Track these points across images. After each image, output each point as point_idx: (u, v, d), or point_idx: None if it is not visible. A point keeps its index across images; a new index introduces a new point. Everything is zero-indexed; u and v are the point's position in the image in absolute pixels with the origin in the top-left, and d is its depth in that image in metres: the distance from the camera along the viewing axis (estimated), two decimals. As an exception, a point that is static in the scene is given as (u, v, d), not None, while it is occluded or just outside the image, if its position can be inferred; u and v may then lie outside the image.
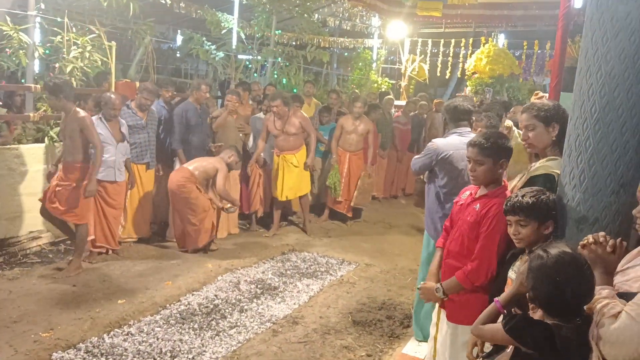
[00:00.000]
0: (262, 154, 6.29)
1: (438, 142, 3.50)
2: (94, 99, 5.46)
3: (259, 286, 4.65)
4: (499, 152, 2.58)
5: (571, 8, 3.48)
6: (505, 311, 1.97)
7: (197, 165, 5.29)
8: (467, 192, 2.83)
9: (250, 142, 6.33)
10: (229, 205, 5.47)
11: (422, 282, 2.92)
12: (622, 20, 1.98)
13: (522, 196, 2.21)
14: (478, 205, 2.63)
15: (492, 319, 1.95)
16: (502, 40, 11.65)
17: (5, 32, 5.30)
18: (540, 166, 2.51)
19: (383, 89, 11.02)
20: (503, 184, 2.68)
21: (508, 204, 2.25)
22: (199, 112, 5.74)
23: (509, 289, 1.95)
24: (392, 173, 8.72)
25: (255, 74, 9.70)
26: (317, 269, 5.21)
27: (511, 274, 2.30)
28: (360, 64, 11.57)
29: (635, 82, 2.00)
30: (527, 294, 1.78)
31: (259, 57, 9.43)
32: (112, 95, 4.86)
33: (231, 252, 5.46)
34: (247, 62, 9.49)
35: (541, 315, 1.74)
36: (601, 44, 2.05)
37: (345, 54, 13.83)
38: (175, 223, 5.36)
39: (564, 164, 2.30)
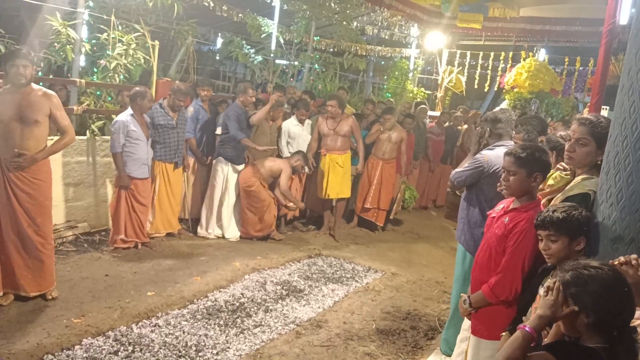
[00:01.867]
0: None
1: (489, 155, 3.28)
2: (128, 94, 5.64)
3: (284, 287, 4.69)
4: (533, 164, 2.54)
5: (616, 25, 3.41)
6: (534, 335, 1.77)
7: (265, 163, 5.82)
8: (501, 205, 2.80)
9: (284, 147, 6.38)
10: (291, 203, 5.94)
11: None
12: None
13: (554, 211, 2.19)
14: (507, 218, 2.60)
15: (523, 348, 1.72)
16: (542, 55, 11.45)
17: (54, 27, 5.52)
18: (575, 185, 2.47)
19: (418, 99, 10.96)
20: (537, 199, 2.64)
21: (539, 219, 2.23)
22: (246, 115, 5.81)
23: (537, 312, 1.83)
24: (424, 184, 8.66)
25: (291, 79, 9.80)
26: (343, 275, 5.22)
27: (541, 291, 2.27)
28: (396, 73, 11.55)
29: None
30: (570, 314, 1.70)
31: (296, 62, 9.53)
32: (148, 90, 5.01)
33: (259, 252, 5.52)
34: (284, 67, 9.60)
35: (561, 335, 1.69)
36: (646, 60, 2.02)
37: (382, 62, 13.82)
38: (242, 213, 5.86)
39: (601, 182, 2.25)
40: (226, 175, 5.79)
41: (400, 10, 9.71)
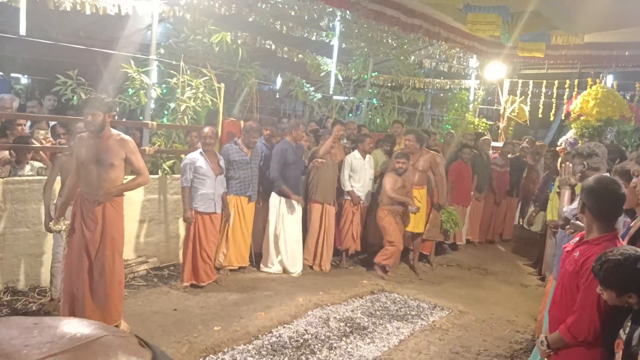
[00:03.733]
0: (359, 193, 6.36)
1: None
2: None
3: (348, 324, 4.61)
4: (598, 199, 2.44)
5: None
6: None
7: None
8: (577, 238, 2.66)
9: (346, 180, 6.39)
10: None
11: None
12: None
13: (602, 263, 2.13)
14: (577, 253, 2.48)
15: None
16: (610, 81, 10.96)
17: (128, 74, 5.91)
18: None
19: (480, 130, 10.74)
20: (613, 230, 2.48)
21: (593, 265, 2.19)
22: (295, 150, 5.93)
23: None
24: (489, 217, 8.38)
25: (350, 114, 9.91)
26: (408, 312, 5.08)
27: (622, 334, 2.11)
28: (456, 104, 11.41)
29: None
30: None
31: (354, 98, 9.65)
32: (206, 129, 5.23)
33: (321, 288, 5.49)
34: (343, 102, 9.74)
35: None
36: None
37: (441, 94, 13.73)
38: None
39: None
40: (280, 210, 5.87)
41: (459, 43, 9.65)
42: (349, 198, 6.39)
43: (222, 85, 6.32)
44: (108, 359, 0.66)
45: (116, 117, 6.29)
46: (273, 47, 9.45)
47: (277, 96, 16.05)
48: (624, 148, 7.48)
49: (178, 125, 6.21)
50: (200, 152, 5.18)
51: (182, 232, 5.75)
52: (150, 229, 5.65)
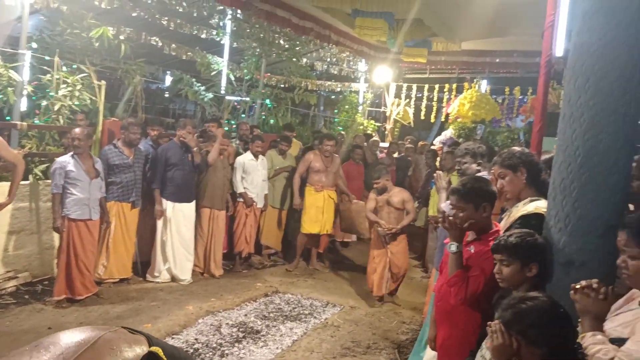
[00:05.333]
0: (252, 195, 6.29)
1: None
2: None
3: (241, 329, 4.52)
4: (478, 196, 2.60)
5: (552, 57, 3.59)
6: None
7: None
8: None
9: (238, 182, 6.28)
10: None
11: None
12: (603, 69, 2.05)
13: (509, 236, 2.23)
14: (472, 247, 2.63)
15: None
16: (484, 85, 11.95)
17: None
18: (530, 206, 2.54)
19: (369, 131, 11.17)
20: (495, 227, 2.68)
21: (494, 243, 2.27)
22: (182, 150, 5.69)
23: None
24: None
25: (243, 115, 9.77)
26: (301, 312, 5.11)
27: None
28: (346, 106, 11.76)
29: (617, 127, 2.04)
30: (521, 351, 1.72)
31: (248, 99, 9.54)
32: (76, 130, 4.80)
33: (213, 294, 5.34)
34: (236, 103, 9.58)
35: None
36: (584, 91, 2.11)
37: (332, 96, 14.07)
38: None
39: (549, 207, 2.32)
40: (168, 215, 5.58)
41: (348, 47, 9.95)
42: (241, 200, 6.30)
43: (103, 83, 5.91)
44: (115, 353, 0.69)
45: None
46: (160, 43, 9.05)
47: (167, 95, 15.42)
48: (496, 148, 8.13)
49: (52, 126, 5.69)
50: (72, 155, 4.75)
51: (57, 243, 5.25)
52: (20, 241, 5.11)
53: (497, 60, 10.64)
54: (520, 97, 11.12)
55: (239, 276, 6.12)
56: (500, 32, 8.38)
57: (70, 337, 0.71)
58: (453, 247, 2.57)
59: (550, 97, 6.32)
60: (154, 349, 0.74)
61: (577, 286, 1.80)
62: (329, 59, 11.72)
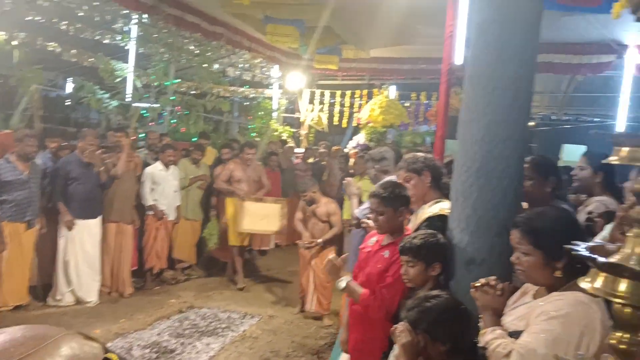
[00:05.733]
0: (163, 207, 6.04)
1: None
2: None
3: (154, 350, 4.31)
4: (397, 200, 2.67)
5: (453, 64, 3.78)
6: None
7: None
8: (374, 239, 2.87)
9: (147, 194, 6.00)
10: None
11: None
12: (497, 78, 2.17)
13: (413, 238, 2.31)
14: (387, 252, 2.67)
15: None
16: (393, 91, 12.38)
17: None
18: (435, 207, 2.64)
19: (284, 137, 11.17)
20: (406, 230, 2.76)
21: (400, 245, 2.35)
22: (84, 162, 5.33)
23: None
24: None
25: (151, 123, 9.38)
26: (218, 326, 4.97)
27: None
28: (260, 112, 11.69)
29: (511, 132, 2.18)
30: (427, 348, 1.78)
31: (157, 106, 9.17)
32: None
33: (122, 315, 5.05)
34: (144, 111, 9.18)
35: None
36: (480, 98, 2.22)
37: (246, 103, 13.93)
38: None
39: (452, 209, 2.42)
40: (70, 233, 5.23)
41: (261, 53, 9.89)
42: (151, 213, 6.03)
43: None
44: (74, 353, 0.72)
45: None
46: (59, 49, 8.47)
47: (68, 103, 14.46)
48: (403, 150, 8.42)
49: None
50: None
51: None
52: None
53: (404, 67, 11.05)
54: (426, 102, 11.64)
55: (150, 293, 5.85)
56: (406, 40, 8.71)
57: (30, 331, 0.74)
58: (342, 284, 2.67)
59: (453, 102, 6.66)
60: (109, 355, 0.76)
61: (477, 284, 1.89)
62: (241, 65, 11.59)
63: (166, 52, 8.79)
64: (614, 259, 1.02)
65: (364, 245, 2.92)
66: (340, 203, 6.95)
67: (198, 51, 9.35)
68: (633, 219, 1.04)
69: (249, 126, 12.46)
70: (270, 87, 12.65)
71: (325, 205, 5.36)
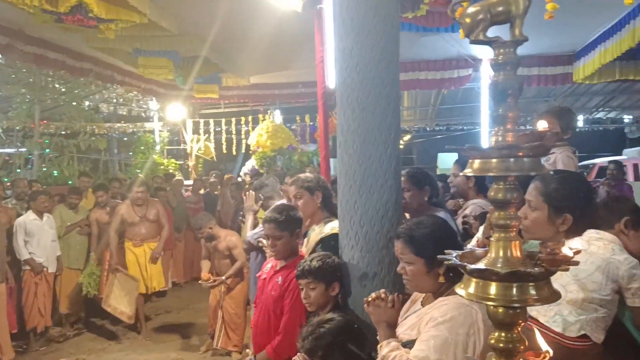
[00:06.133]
0: (40, 260, 5.52)
1: None
2: None
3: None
4: (292, 223, 2.70)
5: (327, 88, 3.93)
6: None
7: None
8: (269, 265, 2.85)
9: (21, 248, 5.44)
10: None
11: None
12: (364, 101, 2.30)
13: (311, 260, 2.34)
14: (280, 278, 2.66)
15: None
16: (278, 116, 12.57)
17: None
18: (325, 228, 2.71)
19: (170, 171, 10.81)
20: (300, 253, 2.78)
21: (298, 269, 2.36)
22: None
23: None
24: (192, 255, 8.42)
25: (19, 169, 8.59)
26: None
27: None
28: (142, 147, 11.23)
29: (383, 149, 2.31)
30: None
31: (23, 150, 8.43)
32: None
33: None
34: (7, 157, 8.38)
35: None
36: (352, 120, 2.34)
37: (125, 138, 13.30)
38: None
39: (340, 227, 2.50)
40: None
41: (135, 86, 9.52)
42: (28, 268, 5.48)
43: None
44: None
45: None
46: None
47: None
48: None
49: None
50: None
51: None
52: None
53: (285, 92, 11.29)
54: (311, 123, 11.97)
55: (36, 356, 5.28)
56: (282, 66, 8.91)
57: None
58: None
59: (334, 123, 6.92)
60: None
61: (369, 299, 1.96)
62: (115, 100, 11.08)
63: (28, 93, 8.14)
64: (481, 264, 1.11)
65: (261, 272, 2.90)
66: (238, 231, 6.86)
67: (64, 89, 8.78)
68: (493, 225, 1.13)
69: (131, 162, 11.91)
70: (150, 120, 12.23)
71: (225, 240, 5.08)
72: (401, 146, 2.64)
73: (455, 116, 14.18)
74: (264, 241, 3.15)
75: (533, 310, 1.66)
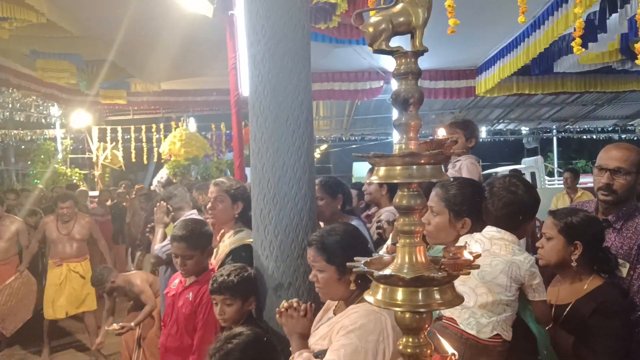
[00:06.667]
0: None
1: None
2: None
3: None
4: (200, 239, 2.60)
5: (240, 96, 3.88)
6: None
7: None
8: (176, 281, 2.73)
9: None
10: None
11: None
12: (276, 109, 2.28)
13: (228, 275, 2.24)
14: (191, 294, 2.56)
15: None
16: (192, 123, 12.24)
17: None
18: (236, 239, 2.64)
19: (74, 181, 10.14)
20: (210, 267, 2.69)
21: (214, 284, 2.25)
22: None
23: None
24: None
25: None
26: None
27: None
28: (42, 156, 10.44)
29: (296, 158, 2.30)
30: None
31: None
32: None
33: None
34: None
35: None
36: (265, 128, 2.31)
37: (23, 146, 12.32)
38: None
39: (255, 238, 2.45)
40: None
41: (34, 90, 8.86)
42: None
43: None
44: None
45: None
46: None
47: None
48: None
49: None
50: None
51: None
52: None
53: (198, 99, 11.04)
54: (227, 132, 11.78)
55: None
56: (194, 72, 8.70)
57: None
58: None
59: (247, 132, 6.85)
60: None
61: (281, 309, 1.93)
62: (10, 105, 10.22)
63: None
64: (388, 270, 1.11)
65: (168, 289, 2.77)
66: (148, 245, 6.53)
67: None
68: (399, 231, 1.14)
69: (30, 172, 11.04)
70: (51, 126, 11.43)
71: (129, 287, 4.38)
72: (318, 155, 2.65)
73: (369, 126, 14.60)
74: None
75: (447, 312, 1.71)
